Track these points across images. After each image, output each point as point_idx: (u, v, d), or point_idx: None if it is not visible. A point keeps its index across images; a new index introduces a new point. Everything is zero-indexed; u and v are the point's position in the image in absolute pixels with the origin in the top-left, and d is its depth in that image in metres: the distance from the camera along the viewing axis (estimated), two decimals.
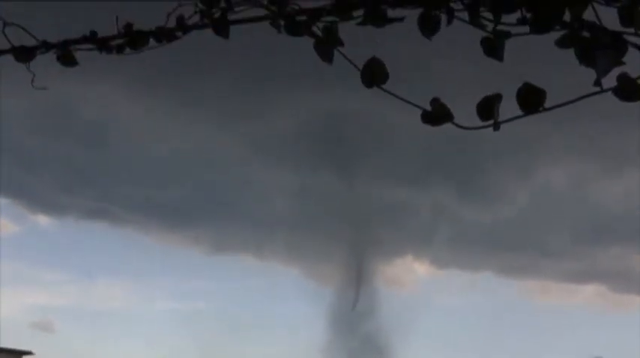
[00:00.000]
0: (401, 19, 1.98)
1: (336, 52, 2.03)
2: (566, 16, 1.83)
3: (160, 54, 2.42)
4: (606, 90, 1.79)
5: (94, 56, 2.53)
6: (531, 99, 1.83)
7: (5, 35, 2.54)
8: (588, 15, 1.81)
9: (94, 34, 2.50)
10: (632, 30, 1.79)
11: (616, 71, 1.80)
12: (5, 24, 2.52)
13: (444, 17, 1.91)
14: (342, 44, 2.04)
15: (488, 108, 1.87)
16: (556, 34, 1.86)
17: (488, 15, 1.90)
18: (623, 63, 1.80)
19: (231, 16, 2.18)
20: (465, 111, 1.92)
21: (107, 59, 2.53)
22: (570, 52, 1.86)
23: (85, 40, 2.51)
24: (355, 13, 2.02)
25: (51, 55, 2.57)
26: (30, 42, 2.57)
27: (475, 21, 1.90)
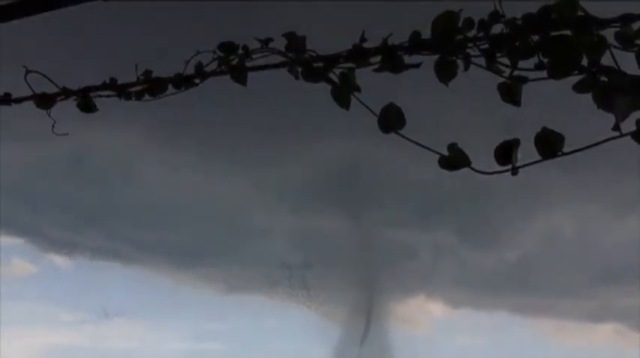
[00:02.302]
0: (417, 65, 2.00)
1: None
2: (584, 61, 1.84)
3: (176, 100, 2.45)
4: (625, 135, 1.79)
5: (112, 102, 2.56)
6: (549, 144, 1.83)
7: (27, 82, 2.59)
8: (606, 60, 1.82)
9: (113, 80, 2.54)
10: None
11: (635, 115, 1.80)
12: (27, 71, 2.56)
13: (460, 63, 1.93)
14: (358, 90, 2.05)
15: (506, 153, 1.87)
16: (573, 79, 1.87)
17: (505, 60, 1.91)
18: None
19: (249, 63, 2.20)
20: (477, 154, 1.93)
21: (124, 105, 2.56)
22: (587, 97, 1.86)
23: (104, 86, 2.54)
24: (372, 60, 2.04)
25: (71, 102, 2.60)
26: (51, 89, 2.61)
27: (492, 66, 1.91)
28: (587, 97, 1.85)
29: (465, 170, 1.91)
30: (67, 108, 2.61)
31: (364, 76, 2.08)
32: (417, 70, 2.01)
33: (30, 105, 2.66)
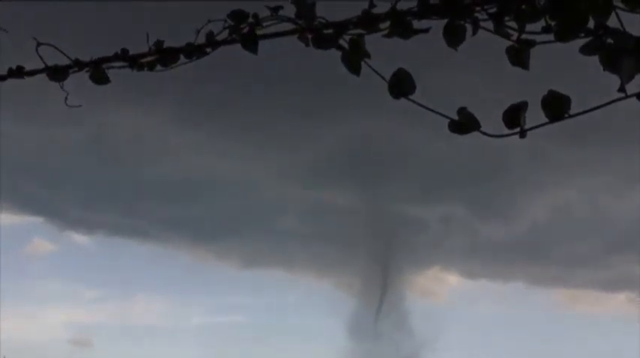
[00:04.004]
0: (426, 30, 2.02)
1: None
2: (590, 23, 1.85)
3: (193, 77, 2.46)
4: (630, 96, 1.81)
5: (129, 83, 2.57)
6: (556, 106, 1.85)
7: (39, 54, 2.61)
8: (612, 22, 1.84)
9: (125, 51, 2.55)
10: None
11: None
12: (39, 44, 2.58)
13: (469, 27, 1.94)
14: (368, 56, 2.07)
15: (514, 116, 1.89)
16: (580, 42, 1.88)
17: (513, 24, 1.93)
18: None
19: (260, 31, 2.22)
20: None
21: (140, 81, 2.57)
22: (594, 59, 1.88)
23: (116, 57, 2.56)
24: (381, 25, 2.06)
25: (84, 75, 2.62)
26: (63, 61, 2.63)
27: (500, 30, 1.92)
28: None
29: (478, 146, 1.94)
30: (85, 89, 2.63)
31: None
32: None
33: (46, 83, 2.67)
